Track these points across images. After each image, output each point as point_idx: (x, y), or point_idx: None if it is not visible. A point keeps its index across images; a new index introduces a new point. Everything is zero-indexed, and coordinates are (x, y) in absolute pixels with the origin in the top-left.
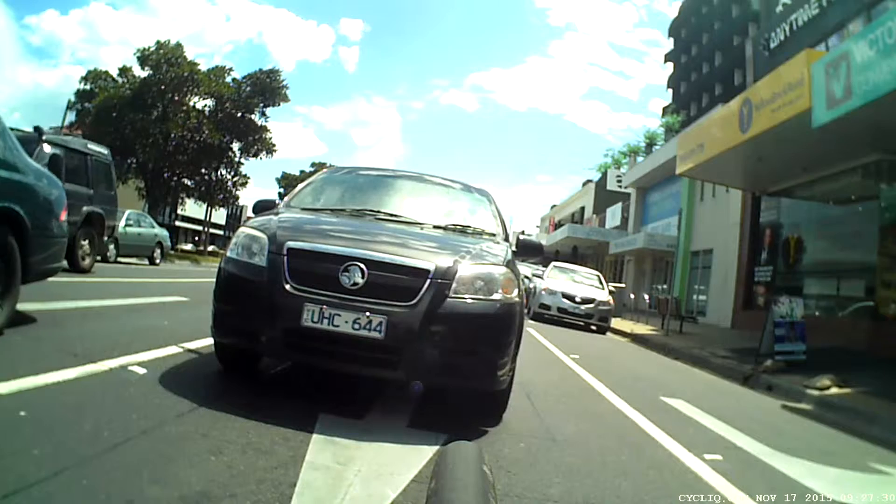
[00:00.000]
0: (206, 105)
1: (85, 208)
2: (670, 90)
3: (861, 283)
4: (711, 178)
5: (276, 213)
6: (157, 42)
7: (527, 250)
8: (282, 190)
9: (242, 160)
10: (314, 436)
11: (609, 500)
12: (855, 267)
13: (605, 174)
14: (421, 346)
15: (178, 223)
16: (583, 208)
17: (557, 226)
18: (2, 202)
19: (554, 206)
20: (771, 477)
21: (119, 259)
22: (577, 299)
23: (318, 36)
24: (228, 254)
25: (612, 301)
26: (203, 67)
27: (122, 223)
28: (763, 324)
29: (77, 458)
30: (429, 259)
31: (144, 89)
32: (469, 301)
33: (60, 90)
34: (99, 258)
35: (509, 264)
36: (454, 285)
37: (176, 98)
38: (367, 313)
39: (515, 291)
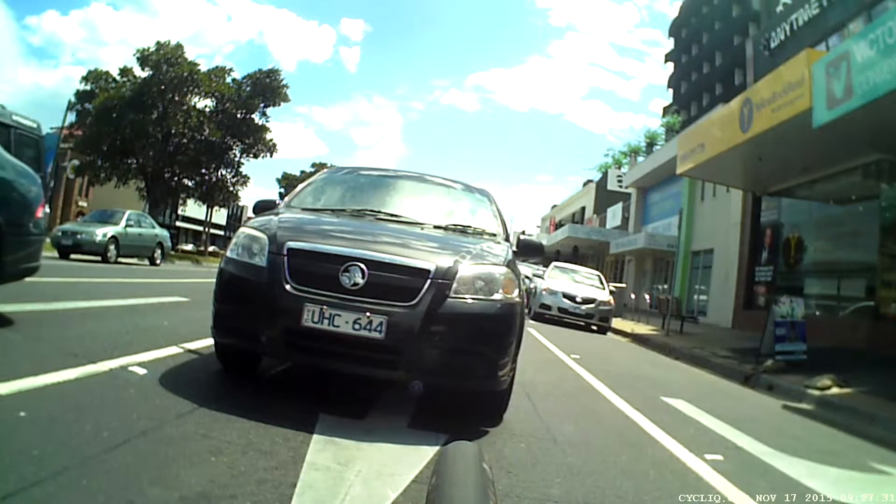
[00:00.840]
0: (206, 105)
1: None
2: (671, 90)
3: (861, 283)
4: (712, 178)
5: (277, 214)
6: (157, 42)
7: (527, 250)
8: (282, 190)
9: (243, 160)
10: (314, 436)
11: (610, 501)
12: (855, 267)
13: (605, 174)
14: (421, 347)
15: (178, 223)
16: (583, 208)
17: (558, 226)
18: None
19: (554, 206)
20: (771, 477)
21: (119, 259)
22: (578, 299)
23: (320, 36)
24: (229, 254)
25: (612, 301)
26: (203, 68)
27: (122, 223)
28: (764, 324)
29: (77, 458)
30: (429, 259)
31: (145, 90)
32: (469, 301)
33: (61, 90)
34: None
35: (510, 264)
36: (455, 285)
37: (176, 98)
38: (368, 313)
39: (516, 291)
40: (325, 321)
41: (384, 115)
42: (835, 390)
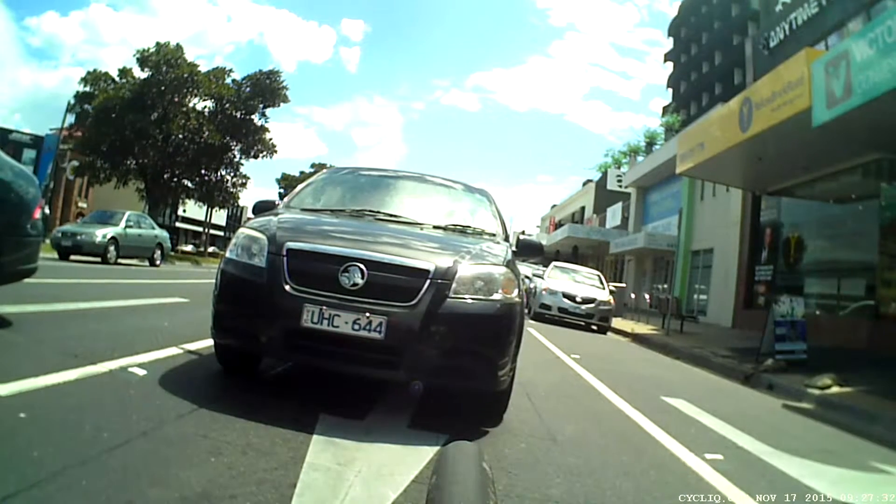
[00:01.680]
0: (205, 106)
1: None
2: (670, 90)
3: (862, 282)
4: (711, 178)
5: (276, 214)
6: (157, 43)
7: (527, 250)
8: (282, 191)
9: (242, 161)
10: (314, 436)
11: (610, 501)
12: (855, 266)
13: (605, 174)
14: (421, 347)
15: (178, 224)
16: (583, 208)
17: (558, 226)
18: None
19: (554, 205)
20: (772, 476)
21: (119, 260)
22: (578, 299)
23: (320, 36)
24: (228, 254)
25: (612, 301)
26: (203, 68)
27: (122, 224)
28: (764, 323)
29: (77, 459)
30: (429, 259)
31: (144, 90)
32: (469, 301)
33: (61, 91)
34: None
35: (509, 264)
36: (454, 285)
37: (176, 99)
38: (367, 314)
39: (515, 291)
40: (325, 321)
41: (384, 116)
42: (835, 390)
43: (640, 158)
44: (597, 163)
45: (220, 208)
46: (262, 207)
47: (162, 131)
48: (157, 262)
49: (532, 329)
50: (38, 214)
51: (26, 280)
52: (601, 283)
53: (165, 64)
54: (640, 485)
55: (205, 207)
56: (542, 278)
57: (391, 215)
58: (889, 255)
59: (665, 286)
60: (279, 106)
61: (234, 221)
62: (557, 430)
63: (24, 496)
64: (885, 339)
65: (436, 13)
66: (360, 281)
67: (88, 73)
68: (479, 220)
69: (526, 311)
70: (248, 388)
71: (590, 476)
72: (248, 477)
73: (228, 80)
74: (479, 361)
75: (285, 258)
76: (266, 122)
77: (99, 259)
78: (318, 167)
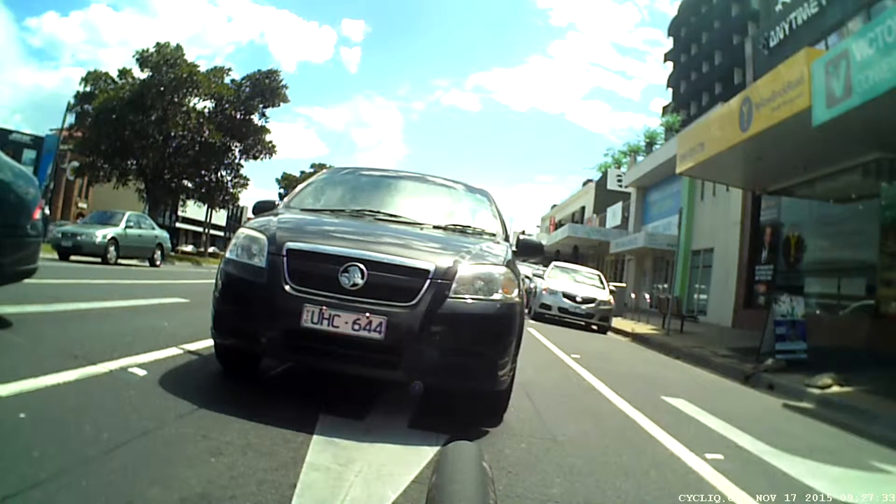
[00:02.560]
0: (205, 106)
1: None
2: (670, 89)
3: (862, 282)
4: (712, 177)
5: (276, 214)
6: (157, 44)
7: (527, 250)
8: (282, 191)
9: (242, 161)
10: (314, 437)
11: (610, 501)
12: (856, 265)
13: (605, 174)
14: (421, 347)
15: (178, 225)
16: (583, 208)
17: (558, 225)
18: None
19: (554, 205)
20: (772, 476)
21: (119, 261)
22: (578, 299)
23: (320, 37)
24: (228, 255)
25: (612, 301)
26: (204, 69)
27: (122, 225)
28: (764, 323)
29: (77, 459)
30: (428, 259)
31: (144, 91)
32: (469, 301)
33: (61, 92)
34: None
35: (509, 264)
36: (454, 285)
37: (175, 99)
38: (367, 314)
39: (515, 291)
40: (325, 322)
41: (385, 116)
42: (835, 389)
43: (640, 158)
44: (597, 162)
45: (220, 208)
46: (262, 207)
47: (162, 131)
48: (157, 263)
49: (532, 329)
50: (37, 215)
51: (26, 280)
52: (601, 282)
53: (165, 64)
54: (641, 484)
55: (205, 208)
56: (543, 278)
57: (391, 215)
58: (889, 255)
59: (665, 286)
60: (279, 106)
61: (234, 222)
62: (558, 429)
63: (24, 496)
64: (885, 338)
65: (436, 13)
66: (360, 281)
67: (88, 73)
68: (480, 220)
69: (526, 311)
70: (248, 389)
71: (590, 476)
72: (248, 477)
73: (228, 80)
74: (480, 361)
75: (285, 258)
76: (266, 122)
77: (99, 259)
78: (318, 167)
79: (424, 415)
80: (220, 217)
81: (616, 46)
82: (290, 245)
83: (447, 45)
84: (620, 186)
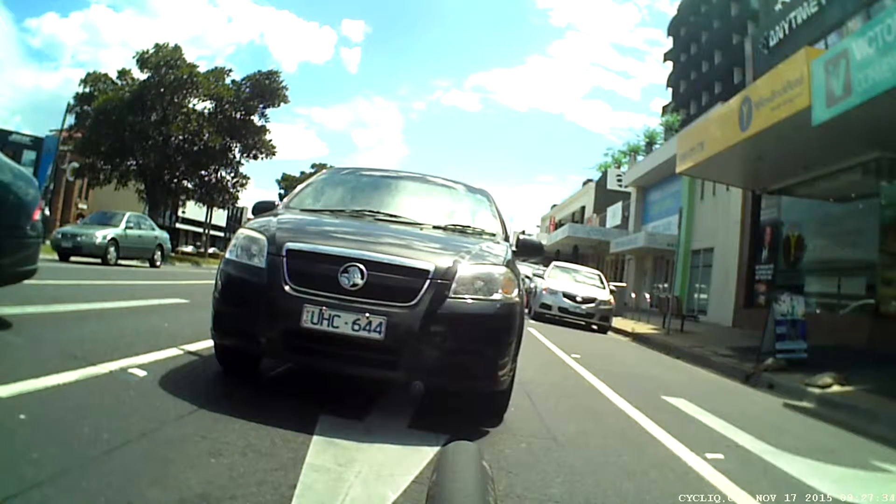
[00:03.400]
0: (205, 107)
1: None
2: (670, 89)
3: (862, 281)
4: (711, 177)
5: (276, 215)
6: (156, 44)
7: (527, 250)
8: (282, 191)
9: (242, 162)
10: (314, 437)
11: (611, 500)
12: (856, 264)
13: (605, 173)
14: (421, 347)
15: (178, 225)
16: (583, 208)
17: (558, 225)
18: None
19: (554, 205)
20: (773, 476)
21: (119, 261)
22: (578, 299)
23: (320, 37)
24: (228, 255)
25: (612, 300)
26: (203, 69)
27: (122, 225)
28: (764, 322)
29: (77, 460)
30: (428, 259)
31: (144, 92)
32: (469, 301)
33: (61, 93)
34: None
35: (509, 264)
36: (454, 285)
37: (175, 100)
38: (367, 314)
39: (515, 291)
40: (325, 322)
41: (385, 116)
42: (836, 388)
43: (640, 158)
44: (597, 162)
45: (220, 208)
46: (262, 208)
47: (161, 132)
48: (158, 263)
49: (532, 329)
50: (37, 216)
51: (26, 281)
52: (601, 282)
53: (165, 65)
54: (641, 484)
55: (204, 208)
56: (543, 278)
57: (391, 215)
58: (889, 254)
59: (665, 285)
60: (278, 106)
61: (234, 222)
62: (558, 429)
63: (23, 497)
64: (885, 337)
65: (436, 13)
66: (359, 281)
67: (88, 74)
68: (479, 220)
69: (526, 310)
70: (248, 389)
71: (590, 476)
72: (248, 478)
73: (228, 81)
74: (479, 361)
75: (285, 259)
76: (266, 122)
77: (99, 260)
78: (318, 167)
79: (424, 415)
80: (220, 218)
81: (616, 46)
82: (290, 245)
83: (447, 45)
84: (620, 186)
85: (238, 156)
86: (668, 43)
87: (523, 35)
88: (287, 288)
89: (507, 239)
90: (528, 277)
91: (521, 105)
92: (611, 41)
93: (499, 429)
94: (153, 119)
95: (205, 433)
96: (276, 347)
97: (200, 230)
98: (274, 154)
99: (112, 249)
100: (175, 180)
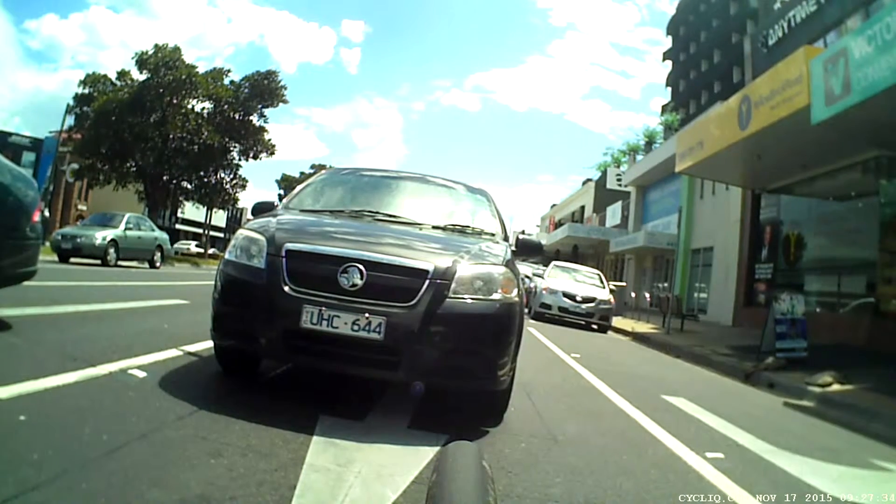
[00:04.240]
0: (204, 108)
1: None
2: (669, 88)
3: (862, 280)
4: (711, 176)
5: (275, 215)
6: (155, 45)
7: (526, 250)
8: (282, 192)
9: (242, 162)
10: (314, 437)
11: (611, 500)
12: (856, 263)
13: (604, 173)
14: (420, 347)
15: (178, 226)
16: (583, 207)
17: (557, 225)
18: None
19: (554, 205)
20: (773, 475)
21: (119, 262)
22: (578, 298)
23: (320, 38)
24: (227, 256)
25: (612, 300)
26: (202, 70)
27: (121, 227)
28: (764, 321)
29: (77, 461)
30: (428, 259)
31: (143, 93)
32: (468, 301)
33: (61, 94)
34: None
35: (509, 264)
36: (453, 285)
37: (174, 101)
38: (367, 314)
39: (515, 291)
40: (324, 322)
41: (385, 116)
42: (836, 387)
43: (639, 157)
44: (596, 162)
45: (220, 209)
46: (261, 209)
47: (161, 133)
48: (157, 264)
49: (532, 328)
50: (37, 217)
51: (26, 283)
52: (601, 282)
53: (164, 66)
54: (641, 484)
55: (204, 209)
56: (542, 278)
57: (390, 216)
58: (889, 252)
59: (665, 285)
60: (277, 106)
61: (234, 223)
62: (558, 429)
63: (23, 499)
64: (885, 336)
65: (436, 13)
66: (359, 281)
67: (87, 75)
68: (479, 220)
69: (526, 310)
70: (247, 390)
71: (590, 475)
72: (248, 478)
73: (226, 81)
74: (479, 361)
75: (284, 259)
76: (265, 122)
77: (99, 261)
78: (318, 168)
79: (424, 415)
80: (219, 218)
81: (616, 46)
82: (290, 246)
83: (447, 45)
84: (620, 185)
85: (237, 157)
86: (668, 42)
87: (523, 35)
88: (286, 288)
89: (506, 239)
90: (527, 277)
91: (521, 105)
92: (610, 41)
93: (499, 429)
94: (152, 120)
95: (205, 434)
96: (275, 348)
97: (200, 231)
98: (273, 153)
99: (112, 250)
100: (174, 181)
